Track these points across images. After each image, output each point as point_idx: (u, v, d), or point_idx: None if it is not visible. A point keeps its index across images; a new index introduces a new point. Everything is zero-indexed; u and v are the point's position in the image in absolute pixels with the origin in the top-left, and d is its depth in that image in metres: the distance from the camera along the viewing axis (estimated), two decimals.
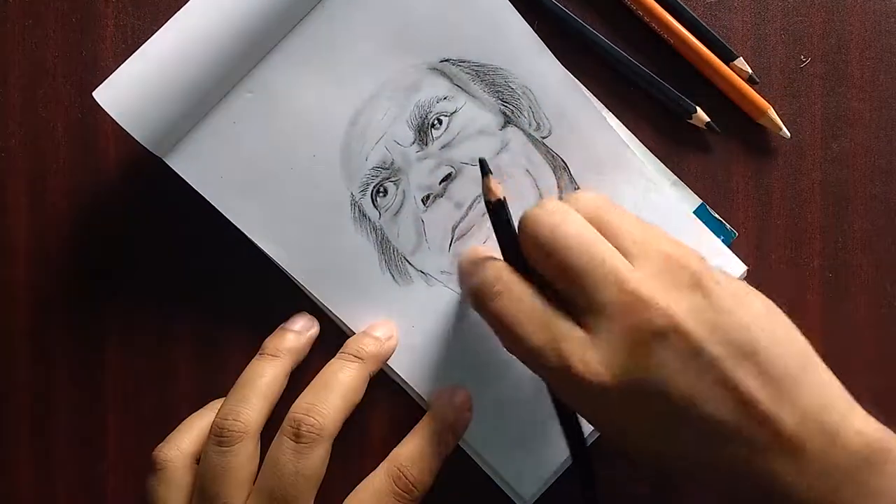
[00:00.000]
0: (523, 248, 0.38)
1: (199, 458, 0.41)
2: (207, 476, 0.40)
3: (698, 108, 0.45)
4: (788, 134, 0.45)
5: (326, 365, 0.43)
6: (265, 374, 0.42)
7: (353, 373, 0.42)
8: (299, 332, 0.44)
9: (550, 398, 0.41)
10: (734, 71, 0.45)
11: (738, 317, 0.34)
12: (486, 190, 0.38)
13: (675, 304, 0.34)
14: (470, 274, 0.39)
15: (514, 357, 0.39)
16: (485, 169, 0.38)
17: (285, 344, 0.43)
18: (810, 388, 0.34)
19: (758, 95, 0.45)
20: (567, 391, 0.36)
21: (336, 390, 0.41)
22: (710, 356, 0.33)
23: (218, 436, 0.40)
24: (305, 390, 0.42)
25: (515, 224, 0.38)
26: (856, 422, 0.34)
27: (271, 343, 0.44)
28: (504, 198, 0.38)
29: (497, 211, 0.38)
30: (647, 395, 0.34)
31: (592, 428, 0.42)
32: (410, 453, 0.42)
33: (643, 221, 0.38)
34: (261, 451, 0.41)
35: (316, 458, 0.39)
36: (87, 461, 0.45)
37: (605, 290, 0.35)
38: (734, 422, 0.33)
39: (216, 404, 0.44)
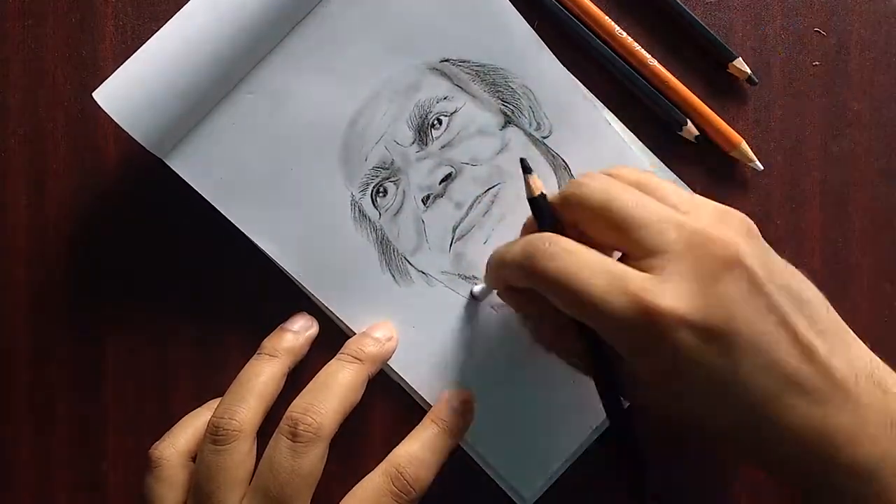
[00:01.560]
0: (571, 215, 0.37)
1: (196, 457, 0.41)
2: (202, 475, 0.40)
3: (688, 121, 0.45)
4: (761, 167, 0.45)
5: (326, 366, 0.43)
6: (262, 374, 0.42)
7: (351, 374, 0.42)
8: (298, 332, 0.44)
9: (602, 394, 0.38)
10: (733, 72, 0.45)
11: (789, 269, 0.35)
12: (528, 187, 0.39)
13: (737, 243, 0.34)
14: (508, 251, 0.38)
15: (550, 352, 0.40)
16: (526, 167, 0.39)
17: (283, 344, 0.43)
18: (854, 345, 0.35)
19: (730, 129, 0.45)
20: (634, 339, 0.34)
21: (334, 391, 0.41)
22: (772, 296, 0.34)
23: (213, 434, 0.40)
24: (304, 390, 0.42)
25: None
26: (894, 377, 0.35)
27: (269, 343, 0.44)
28: (544, 193, 0.39)
29: (539, 205, 0.39)
30: (721, 333, 0.33)
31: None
32: (409, 453, 0.42)
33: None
34: (259, 451, 0.41)
35: (312, 458, 0.39)
36: (87, 461, 0.45)
37: (668, 232, 0.35)
38: (796, 369, 0.33)
39: (214, 403, 0.43)
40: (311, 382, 0.42)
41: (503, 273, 0.39)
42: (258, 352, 0.43)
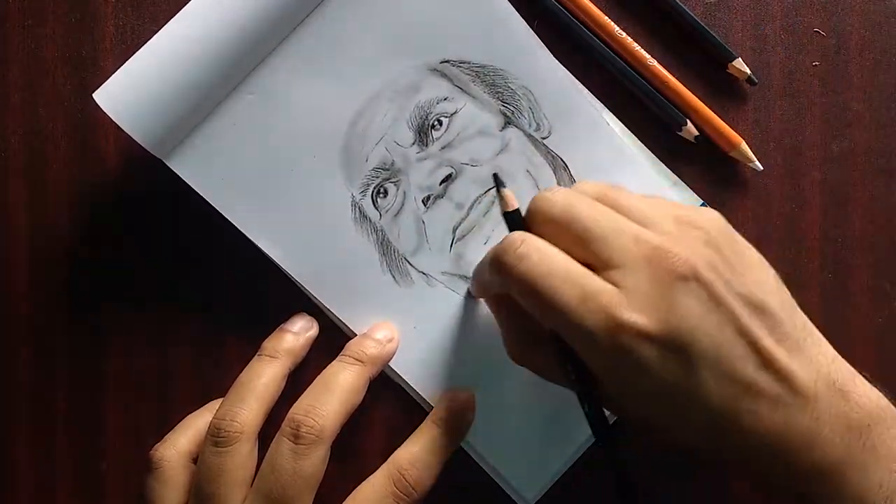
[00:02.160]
0: (536, 228, 0.38)
1: (197, 458, 0.41)
2: (204, 476, 0.40)
3: (688, 121, 0.45)
4: (761, 167, 0.45)
5: (327, 367, 0.43)
6: (263, 375, 0.42)
7: (353, 375, 0.42)
8: (298, 333, 0.44)
9: (586, 413, 0.38)
10: (733, 72, 0.45)
11: (749, 276, 0.35)
12: (502, 202, 0.39)
13: (693, 256, 0.34)
14: (485, 256, 0.39)
15: (518, 365, 0.40)
16: (499, 182, 0.39)
17: (284, 345, 0.43)
18: (817, 351, 0.35)
19: (730, 129, 0.45)
20: (603, 353, 0.35)
21: (336, 392, 0.41)
22: (729, 307, 0.34)
23: (214, 436, 0.40)
24: (305, 392, 0.42)
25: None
26: (861, 384, 0.35)
27: (270, 344, 0.44)
28: (518, 208, 0.39)
29: (514, 220, 0.39)
30: (681, 346, 0.34)
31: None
32: (411, 455, 0.42)
33: (646, 195, 0.38)
34: (261, 453, 0.41)
35: (314, 460, 0.39)
36: (87, 461, 0.45)
37: (626, 248, 0.35)
38: (755, 377, 0.34)
39: (215, 404, 0.43)
40: (312, 384, 0.42)
41: (482, 278, 0.40)
42: (258, 353, 0.43)
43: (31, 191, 0.45)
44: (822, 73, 0.46)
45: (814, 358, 0.35)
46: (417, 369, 0.45)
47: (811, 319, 0.36)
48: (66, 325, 0.45)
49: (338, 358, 0.43)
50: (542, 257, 0.36)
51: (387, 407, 0.45)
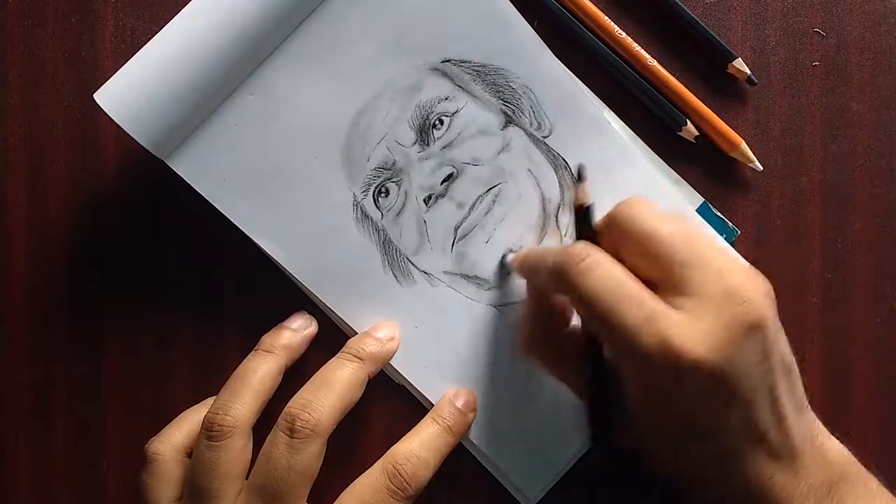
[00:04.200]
0: (612, 240, 0.38)
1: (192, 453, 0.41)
2: (198, 470, 0.40)
3: (688, 121, 0.45)
4: (760, 167, 0.45)
5: (326, 363, 0.43)
6: (258, 370, 0.42)
7: (351, 372, 0.42)
8: (296, 330, 0.44)
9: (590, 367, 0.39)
10: (733, 72, 0.45)
11: (784, 338, 0.37)
12: (580, 195, 0.40)
13: (762, 308, 0.35)
14: (545, 257, 0.39)
15: (527, 354, 0.41)
16: (582, 175, 0.40)
17: (281, 341, 0.43)
18: (808, 413, 0.38)
19: (730, 129, 0.45)
20: (647, 374, 0.35)
21: (333, 388, 0.41)
22: (773, 363, 0.36)
23: (208, 430, 0.40)
24: (303, 387, 0.42)
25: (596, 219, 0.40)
26: (833, 441, 0.38)
27: (267, 340, 0.44)
28: (591, 205, 0.40)
29: (584, 214, 0.40)
30: (725, 386, 0.35)
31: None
32: (408, 451, 0.42)
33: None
34: (257, 449, 0.41)
35: (310, 454, 0.39)
36: (87, 461, 0.45)
37: (709, 278, 0.35)
38: (768, 428, 0.36)
39: (211, 401, 0.43)
40: (310, 379, 0.42)
41: (536, 277, 0.41)
42: (255, 348, 0.43)
43: (31, 191, 0.45)
44: (822, 73, 0.46)
45: (806, 418, 0.38)
46: (419, 369, 0.45)
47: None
48: (66, 324, 0.45)
49: (337, 354, 0.43)
50: (608, 274, 0.36)
51: (388, 405, 0.45)
